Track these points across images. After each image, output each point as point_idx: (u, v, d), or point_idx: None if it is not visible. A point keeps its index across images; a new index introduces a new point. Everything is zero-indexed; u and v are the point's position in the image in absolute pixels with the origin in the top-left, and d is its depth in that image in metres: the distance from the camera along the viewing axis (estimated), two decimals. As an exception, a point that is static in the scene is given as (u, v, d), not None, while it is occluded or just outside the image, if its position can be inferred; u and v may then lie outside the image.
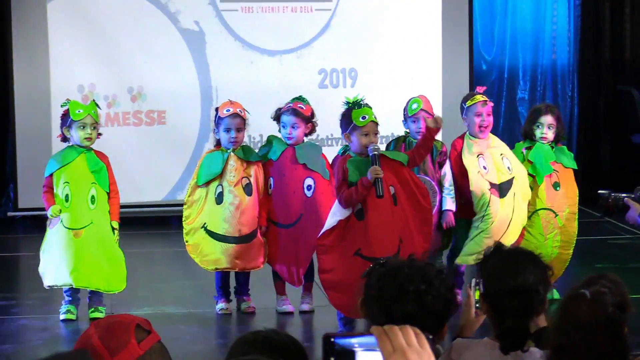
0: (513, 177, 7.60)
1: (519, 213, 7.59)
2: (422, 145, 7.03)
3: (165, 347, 2.70)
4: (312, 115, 7.61)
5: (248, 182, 7.47)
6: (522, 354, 3.61)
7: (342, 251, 6.82)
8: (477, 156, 7.62)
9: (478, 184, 7.53)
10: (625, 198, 5.50)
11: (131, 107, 10.92)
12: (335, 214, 6.88)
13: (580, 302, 3.06)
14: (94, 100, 7.64)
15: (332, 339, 2.06)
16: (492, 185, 7.56)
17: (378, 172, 6.66)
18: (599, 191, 5.65)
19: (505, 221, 7.52)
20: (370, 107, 7.02)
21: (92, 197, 7.38)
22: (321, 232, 6.94)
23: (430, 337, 2.10)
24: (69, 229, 7.34)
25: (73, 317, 7.44)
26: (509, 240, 7.34)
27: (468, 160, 7.60)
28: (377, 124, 6.91)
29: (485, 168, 7.59)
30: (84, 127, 7.36)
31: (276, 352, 2.88)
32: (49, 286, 7.47)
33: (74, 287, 7.39)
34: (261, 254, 7.51)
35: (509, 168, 7.62)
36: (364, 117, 6.87)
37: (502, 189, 7.57)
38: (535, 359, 3.60)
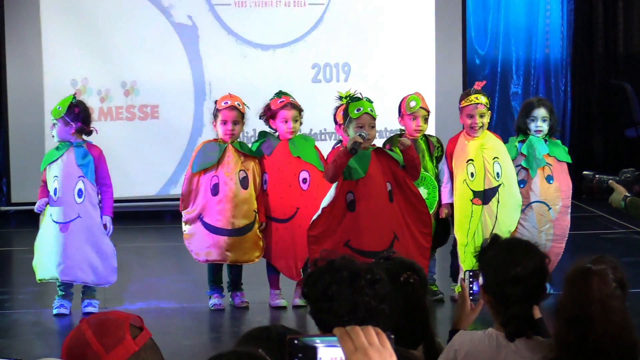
0: (500, 185, 7.63)
1: (504, 220, 7.61)
2: (409, 165, 7.03)
3: (156, 343, 2.70)
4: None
5: (245, 175, 7.47)
6: (527, 340, 3.64)
7: (332, 242, 6.84)
8: (467, 161, 7.63)
9: (461, 196, 7.58)
10: (610, 180, 5.51)
11: (124, 101, 10.92)
12: (322, 203, 6.94)
13: (590, 276, 3.16)
14: (73, 95, 7.57)
15: (295, 340, 2.13)
16: (476, 193, 7.60)
17: (357, 138, 6.72)
18: (584, 172, 5.67)
19: (487, 228, 7.57)
20: (371, 101, 7.03)
21: (79, 190, 7.36)
22: (310, 222, 6.98)
23: (392, 336, 2.13)
24: (57, 223, 7.34)
25: (66, 311, 7.43)
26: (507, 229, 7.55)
27: (457, 166, 7.63)
28: (373, 117, 6.92)
29: (472, 175, 7.62)
30: (53, 125, 7.45)
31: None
32: (39, 280, 7.48)
33: (59, 281, 7.39)
34: (257, 249, 7.50)
35: (498, 174, 7.64)
36: (358, 110, 6.90)
37: (487, 196, 7.61)
38: (539, 346, 3.63)
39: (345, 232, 6.84)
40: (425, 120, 7.67)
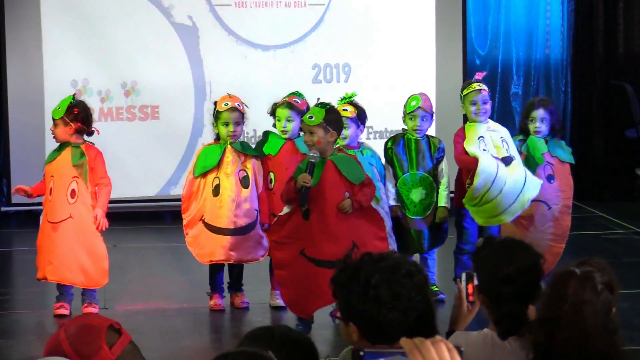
0: (512, 156, 7.68)
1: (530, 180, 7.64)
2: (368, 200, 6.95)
3: (137, 346, 2.69)
4: (308, 109, 7.61)
5: (245, 174, 7.47)
6: (522, 339, 3.66)
7: (291, 249, 6.84)
8: (478, 139, 7.67)
9: (487, 161, 7.55)
10: None
11: (124, 102, 10.91)
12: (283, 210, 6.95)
13: (570, 278, 3.17)
14: (72, 95, 7.59)
15: (361, 353, 2.03)
16: (495, 157, 7.65)
17: (306, 180, 6.66)
18: (637, 170, 5.67)
19: (519, 180, 7.54)
20: (320, 106, 6.87)
21: (73, 191, 7.36)
22: (270, 227, 7.08)
23: (462, 349, 2.04)
24: (50, 222, 7.35)
25: (66, 312, 7.42)
26: (530, 195, 7.52)
27: (469, 142, 7.66)
28: (307, 124, 6.75)
29: (484, 150, 7.65)
30: (55, 125, 7.46)
31: (289, 349, 2.88)
32: (37, 279, 7.49)
33: (47, 281, 7.39)
34: (260, 248, 7.50)
35: (507, 151, 7.67)
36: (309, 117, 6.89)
37: (505, 161, 7.63)
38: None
39: (301, 240, 6.80)
40: (424, 119, 7.67)
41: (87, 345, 2.58)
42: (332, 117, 6.77)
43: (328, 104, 6.90)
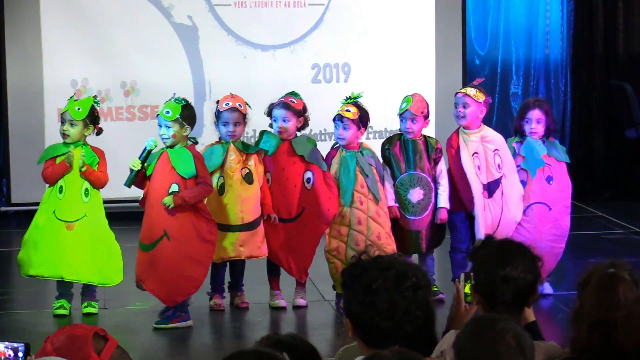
0: (502, 177, 7.64)
1: (509, 210, 7.62)
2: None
3: (124, 349, 2.69)
4: (304, 109, 7.62)
5: (248, 171, 7.47)
6: None
7: None
8: (473, 155, 7.64)
9: (476, 185, 7.58)
10: None
11: (124, 102, 10.91)
12: None
13: (617, 281, 3.32)
14: (93, 97, 7.60)
15: None
16: (483, 186, 7.63)
17: (134, 165, 7.11)
18: None
19: (495, 221, 7.57)
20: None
21: (86, 190, 7.38)
22: None
23: None
24: (62, 220, 7.33)
25: (66, 312, 7.42)
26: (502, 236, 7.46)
27: (466, 160, 7.62)
28: (164, 118, 7.14)
29: (479, 168, 7.64)
30: (63, 122, 7.44)
31: (293, 355, 2.90)
32: (29, 275, 7.46)
33: (64, 280, 7.38)
34: (265, 243, 7.51)
35: (499, 166, 7.65)
36: None
37: (491, 188, 7.62)
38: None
39: None
40: (413, 121, 7.65)
41: (75, 354, 2.59)
42: (187, 113, 7.20)
43: (184, 100, 7.25)
